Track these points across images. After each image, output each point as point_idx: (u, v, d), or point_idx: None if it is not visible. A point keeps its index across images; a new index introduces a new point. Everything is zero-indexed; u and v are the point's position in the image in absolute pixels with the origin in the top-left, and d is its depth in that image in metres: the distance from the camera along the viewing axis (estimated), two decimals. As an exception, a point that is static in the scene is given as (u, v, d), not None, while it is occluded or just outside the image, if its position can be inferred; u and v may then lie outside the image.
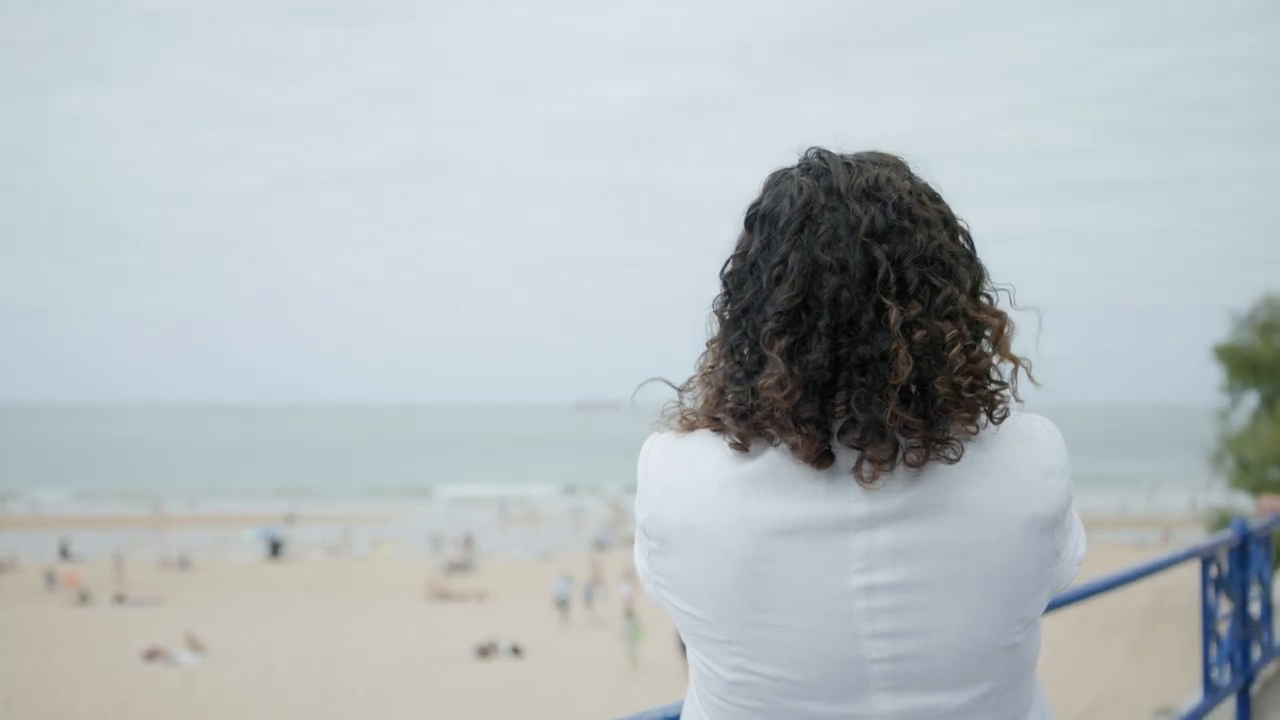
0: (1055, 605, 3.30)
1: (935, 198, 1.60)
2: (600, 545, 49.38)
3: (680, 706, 1.98)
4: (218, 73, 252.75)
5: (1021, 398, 1.60)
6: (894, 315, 1.49)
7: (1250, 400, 33.68)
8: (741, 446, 1.55)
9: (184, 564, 43.78)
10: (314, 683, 24.74)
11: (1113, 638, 26.18)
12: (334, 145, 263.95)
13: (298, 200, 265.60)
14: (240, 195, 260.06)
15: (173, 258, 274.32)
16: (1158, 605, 28.79)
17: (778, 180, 1.61)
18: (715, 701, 1.61)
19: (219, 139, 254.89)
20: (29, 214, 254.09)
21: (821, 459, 1.51)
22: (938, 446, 1.51)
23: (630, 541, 2.24)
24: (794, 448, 1.52)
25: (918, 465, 1.51)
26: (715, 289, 1.63)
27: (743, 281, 1.58)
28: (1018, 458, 1.56)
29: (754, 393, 1.53)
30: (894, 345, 1.48)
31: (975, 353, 1.54)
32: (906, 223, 1.54)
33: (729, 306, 1.60)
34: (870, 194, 1.55)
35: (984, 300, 1.59)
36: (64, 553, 46.56)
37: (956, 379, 1.51)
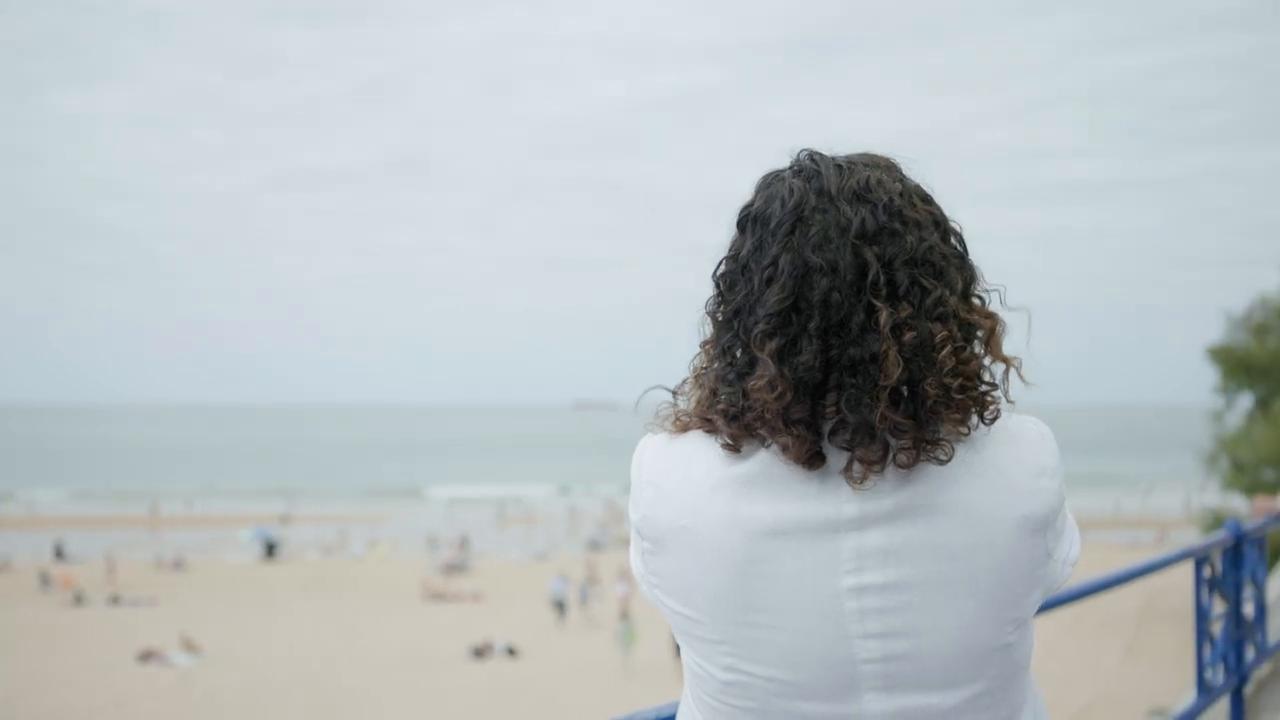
0: (1049, 605, 3.30)
1: (927, 199, 1.61)
2: (596, 546, 49.34)
3: (675, 707, 1.99)
4: (215, 73, 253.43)
5: (1013, 399, 1.60)
6: (884, 317, 1.49)
7: (1245, 401, 33.74)
8: (733, 447, 1.56)
9: (179, 565, 43.70)
10: (309, 683, 24.70)
11: (1107, 638, 26.18)
12: (330, 144, 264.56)
13: (294, 200, 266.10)
14: (237, 194, 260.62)
15: (169, 257, 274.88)
16: (1152, 605, 28.82)
17: (769, 182, 1.62)
18: (709, 702, 1.62)
19: (216, 138, 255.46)
20: (25, 213, 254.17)
21: (812, 460, 1.52)
22: (928, 448, 1.51)
23: (626, 542, 2.24)
24: (785, 449, 1.52)
25: (908, 466, 1.51)
26: (708, 289, 1.63)
27: (734, 283, 1.58)
28: (1009, 459, 1.56)
29: (745, 394, 1.53)
30: (884, 347, 1.49)
31: (966, 354, 1.55)
32: (897, 225, 1.54)
33: (721, 308, 1.60)
34: (861, 196, 1.55)
35: (975, 302, 1.60)
36: (59, 553, 46.46)
37: (946, 380, 1.51)
